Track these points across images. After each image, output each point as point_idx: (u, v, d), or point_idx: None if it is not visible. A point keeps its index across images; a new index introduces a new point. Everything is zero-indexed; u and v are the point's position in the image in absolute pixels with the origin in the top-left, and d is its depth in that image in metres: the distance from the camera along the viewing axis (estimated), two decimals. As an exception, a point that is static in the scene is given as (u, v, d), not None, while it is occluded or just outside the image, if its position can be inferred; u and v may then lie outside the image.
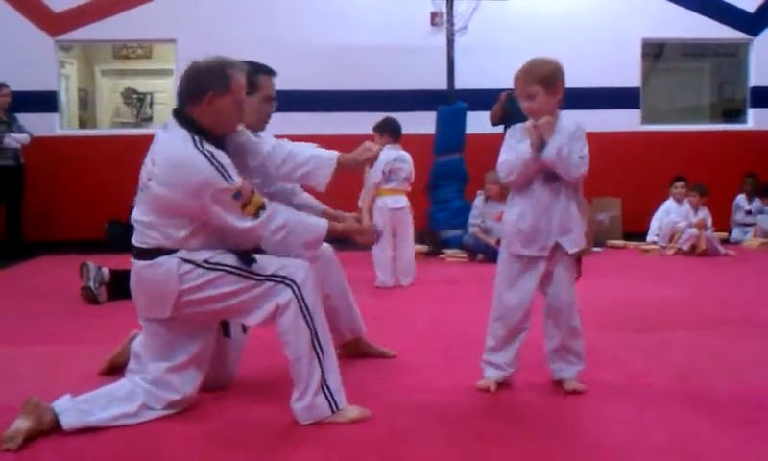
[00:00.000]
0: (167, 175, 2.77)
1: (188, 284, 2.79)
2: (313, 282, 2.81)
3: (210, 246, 2.85)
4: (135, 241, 2.89)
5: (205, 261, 2.80)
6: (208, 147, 2.78)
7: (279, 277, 2.78)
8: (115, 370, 3.37)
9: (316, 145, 3.22)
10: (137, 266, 2.88)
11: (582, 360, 3.26)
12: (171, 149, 2.80)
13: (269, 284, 2.77)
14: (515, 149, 3.16)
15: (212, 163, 2.74)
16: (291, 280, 2.76)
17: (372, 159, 3.24)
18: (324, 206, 3.65)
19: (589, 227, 8.25)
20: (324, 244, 3.44)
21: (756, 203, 9.64)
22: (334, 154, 3.13)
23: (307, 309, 2.76)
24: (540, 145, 3.07)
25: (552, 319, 3.26)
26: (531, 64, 3.16)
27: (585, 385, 3.20)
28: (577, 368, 3.24)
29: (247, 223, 2.78)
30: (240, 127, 3.10)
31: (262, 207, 2.81)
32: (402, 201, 6.43)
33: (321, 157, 3.11)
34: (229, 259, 2.82)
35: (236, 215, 2.77)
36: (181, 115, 2.88)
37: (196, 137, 2.80)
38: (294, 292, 2.75)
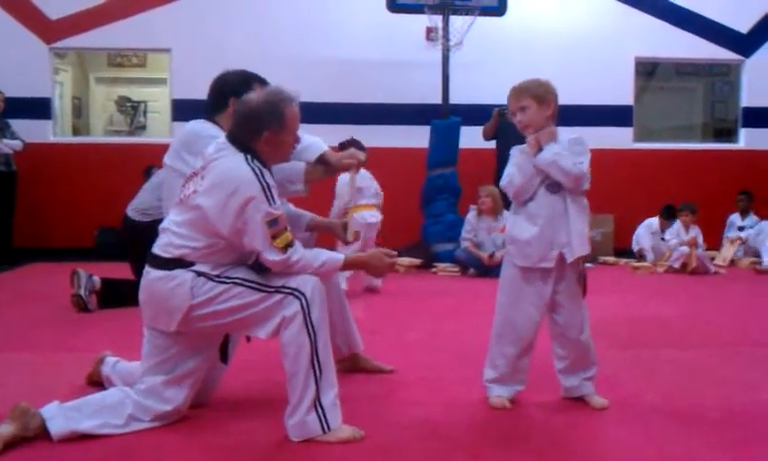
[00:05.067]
0: (215, 186, 2.77)
1: (199, 298, 2.78)
2: (320, 298, 2.79)
3: (232, 263, 2.86)
4: (158, 249, 2.87)
5: (217, 276, 2.80)
6: (258, 164, 2.80)
7: (288, 288, 2.77)
8: (96, 384, 3.35)
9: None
10: (151, 276, 2.86)
11: (594, 366, 3.29)
12: (223, 163, 2.81)
13: (278, 296, 2.76)
14: (517, 163, 3.21)
15: (260, 182, 2.75)
16: (300, 293, 2.75)
17: (357, 167, 3.40)
18: (311, 215, 3.66)
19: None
20: None
21: (751, 219, 9.66)
22: (322, 146, 3.28)
23: (312, 324, 2.74)
24: (537, 151, 3.12)
25: (560, 339, 3.26)
26: (523, 82, 3.25)
27: (607, 400, 3.25)
28: (591, 382, 3.27)
29: (273, 256, 2.76)
30: None
31: (290, 244, 2.80)
32: (377, 214, 6.76)
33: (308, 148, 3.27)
34: (240, 272, 2.83)
35: (265, 244, 2.75)
36: (238, 142, 2.86)
37: (248, 155, 2.81)
38: (301, 305, 2.74)
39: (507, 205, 7.95)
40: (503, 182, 3.25)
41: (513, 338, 3.22)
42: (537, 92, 3.18)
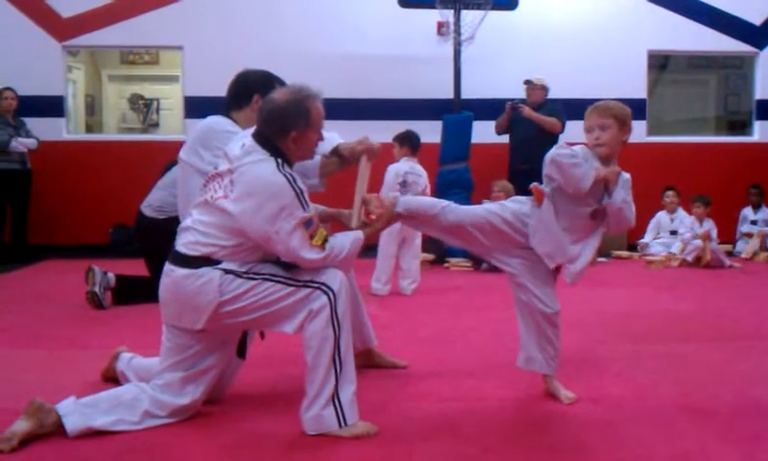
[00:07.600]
0: (246, 193, 2.75)
1: (227, 295, 2.77)
2: (346, 293, 2.81)
3: (259, 259, 2.86)
4: (182, 247, 2.85)
5: (245, 272, 2.80)
6: (289, 170, 2.80)
7: (317, 283, 2.78)
8: (111, 380, 3.37)
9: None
10: (176, 274, 2.83)
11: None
12: (255, 171, 2.78)
13: (306, 291, 2.77)
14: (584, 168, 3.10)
15: (293, 188, 2.75)
16: (328, 287, 2.76)
17: (370, 152, 3.30)
18: (321, 207, 3.67)
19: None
20: None
21: (763, 212, 9.63)
22: (336, 138, 3.32)
23: (337, 319, 2.75)
24: (602, 186, 3.13)
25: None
26: (606, 102, 3.25)
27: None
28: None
29: (314, 255, 2.77)
30: None
31: (327, 239, 2.81)
32: None
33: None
34: (267, 268, 2.83)
35: (304, 245, 2.75)
36: (264, 141, 2.85)
37: (279, 160, 2.80)
38: (329, 299, 2.75)
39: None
40: (566, 152, 3.08)
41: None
42: (620, 114, 3.18)
